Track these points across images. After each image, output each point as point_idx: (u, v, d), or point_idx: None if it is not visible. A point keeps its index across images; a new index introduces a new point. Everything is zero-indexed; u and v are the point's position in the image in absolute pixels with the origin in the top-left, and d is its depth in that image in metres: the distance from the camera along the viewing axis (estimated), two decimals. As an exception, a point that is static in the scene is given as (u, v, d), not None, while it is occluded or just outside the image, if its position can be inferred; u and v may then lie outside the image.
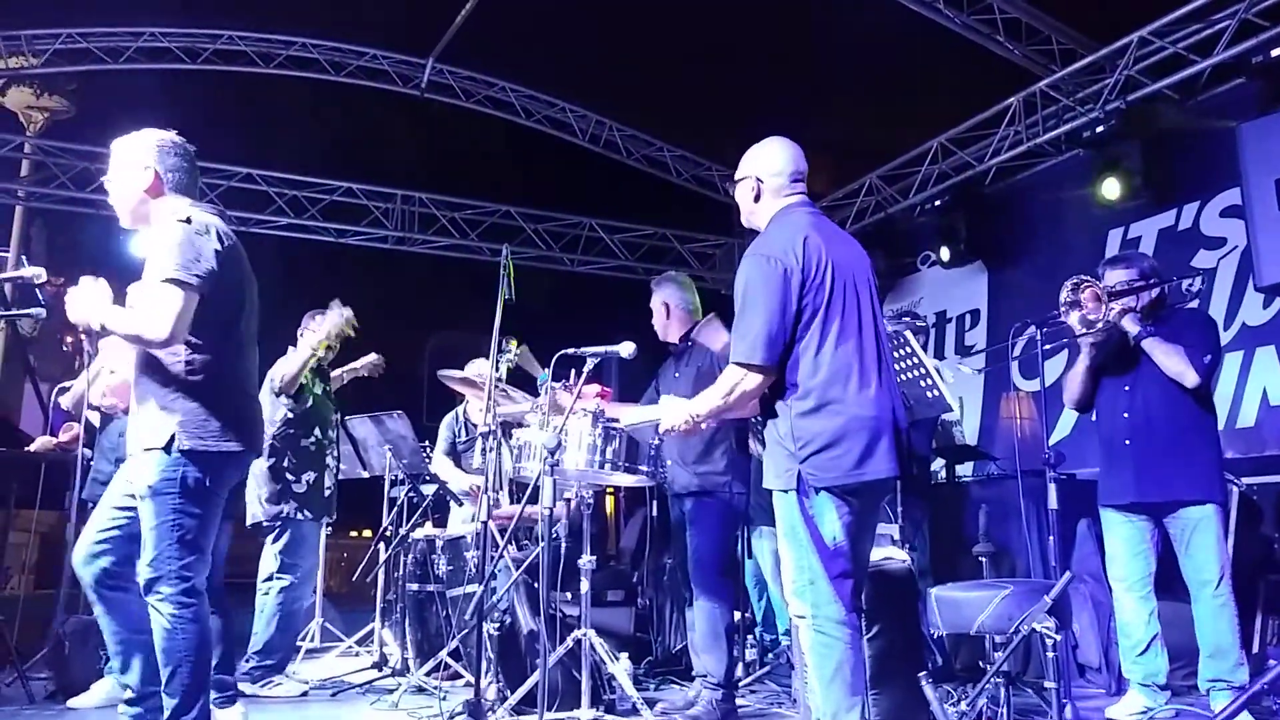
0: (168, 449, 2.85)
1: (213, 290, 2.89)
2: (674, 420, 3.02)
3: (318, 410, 4.93)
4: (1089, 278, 3.86)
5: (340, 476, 5.89)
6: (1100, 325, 3.81)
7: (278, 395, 4.76)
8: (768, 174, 3.04)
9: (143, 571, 2.85)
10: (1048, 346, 3.90)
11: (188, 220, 2.91)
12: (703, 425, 3.03)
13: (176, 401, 2.89)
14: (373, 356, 5.52)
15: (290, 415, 4.80)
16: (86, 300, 2.94)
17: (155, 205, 3.04)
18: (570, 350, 3.69)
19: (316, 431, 4.90)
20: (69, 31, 8.17)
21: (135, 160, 3.05)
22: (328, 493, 4.94)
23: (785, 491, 2.78)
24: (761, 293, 2.80)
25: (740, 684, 4.52)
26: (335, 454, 5.08)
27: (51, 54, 8.29)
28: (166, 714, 2.79)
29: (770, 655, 5.14)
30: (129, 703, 3.00)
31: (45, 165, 8.77)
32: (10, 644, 4.54)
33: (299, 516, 4.77)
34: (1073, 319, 3.84)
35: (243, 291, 3.06)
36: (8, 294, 4.05)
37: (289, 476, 4.77)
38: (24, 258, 3.61)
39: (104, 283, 2.97)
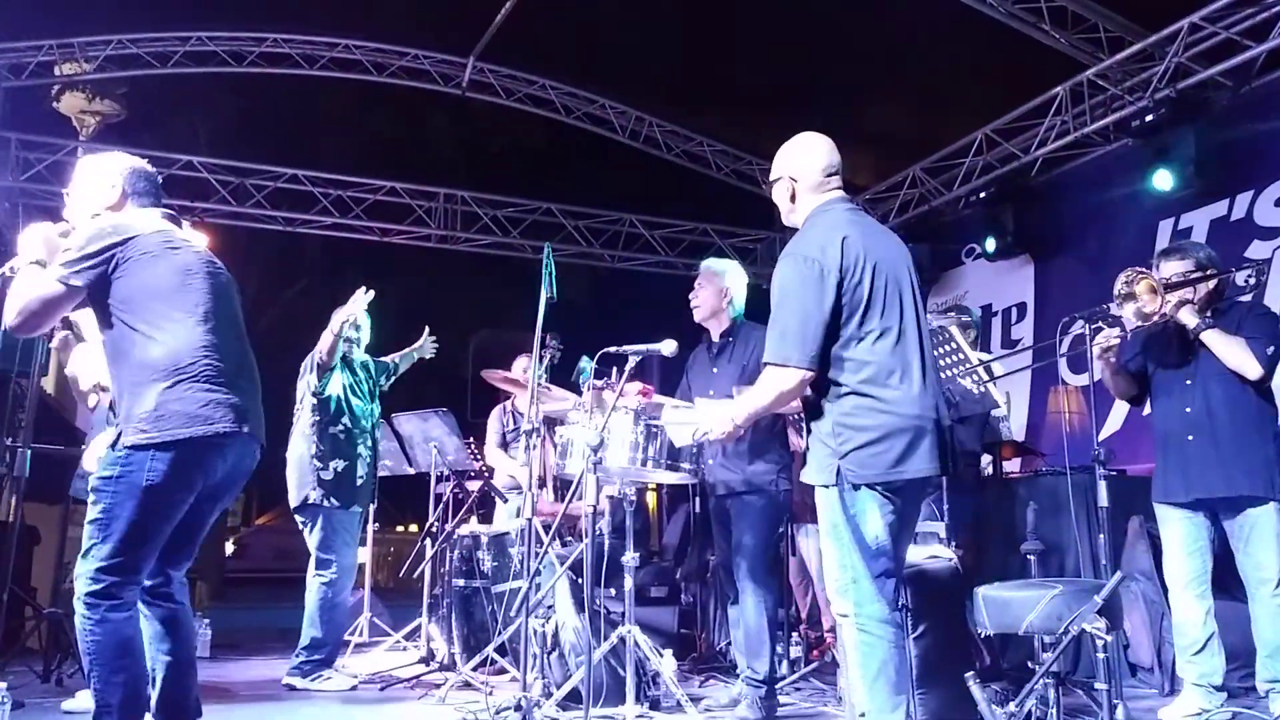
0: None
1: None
2: (713, 426, 2.95)
3: (346, 399, 5.00)
4: (1144, 269, 3.76)
5: (386, 473, 5.93)
6: (1156, 318, 3.72)
7: (318, 370, 4.89)
8: (801, 172, 2.99)
9: None
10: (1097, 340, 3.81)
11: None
12: (742, 430, 2.98)
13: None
14: (426, 336, 5.62)
15: (315, 402, 4.92)
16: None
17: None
18: (612, 349, 3.70)
19: (345, 420, 4.97)
20: (120, 38, 8.34)
21: (100, 179, 3.01)
22: (360, 481, 4.98)
23: (826, 487, 2.76)
24: (798, 292, 2.77)
25: (784, 682, 4.51)
26: (370, 443, 5.11)
27: (103, 60, 8.47)
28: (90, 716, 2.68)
29: (814, 653, 5.11)
30: None
31: (98, 169, 8.96)
32: (72, 637, 4.65)
33: (325, 504, 4.84)
34: (1127, 311, 3.72)
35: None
36: None
37: (317, 464, 4.87)
38: None
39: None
